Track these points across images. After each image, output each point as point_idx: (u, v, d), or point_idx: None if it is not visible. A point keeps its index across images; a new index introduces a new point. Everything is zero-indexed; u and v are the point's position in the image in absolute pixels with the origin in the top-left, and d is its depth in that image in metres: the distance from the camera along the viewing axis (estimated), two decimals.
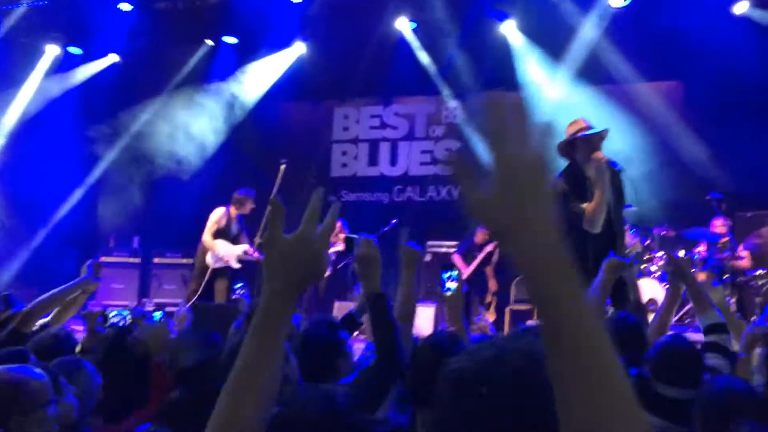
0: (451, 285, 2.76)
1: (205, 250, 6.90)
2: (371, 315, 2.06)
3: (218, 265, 6.87)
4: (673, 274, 2.98)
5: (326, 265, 1.19)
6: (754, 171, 7.47)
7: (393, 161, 10.30)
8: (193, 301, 6.67)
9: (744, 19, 8.03)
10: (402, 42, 9.49)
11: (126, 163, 10.14)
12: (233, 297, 3.73)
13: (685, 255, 6.99)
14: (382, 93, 10.07)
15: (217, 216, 6.89)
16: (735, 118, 7.91)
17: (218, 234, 6.87)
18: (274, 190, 6.52)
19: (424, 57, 9.49)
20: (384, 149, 10.34)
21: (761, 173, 7.41)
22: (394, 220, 7.68)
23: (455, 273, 2.80)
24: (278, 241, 1.14)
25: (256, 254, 6.78)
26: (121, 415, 2.27)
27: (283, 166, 6.66)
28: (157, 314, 2.70)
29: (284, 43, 9.82)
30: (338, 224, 7.60)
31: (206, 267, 6.89)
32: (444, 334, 2.65)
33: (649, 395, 2.23)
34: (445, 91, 9.75)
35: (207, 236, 6.83)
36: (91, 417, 2.14)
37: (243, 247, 6.89)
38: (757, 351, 2.52)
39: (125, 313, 2.76)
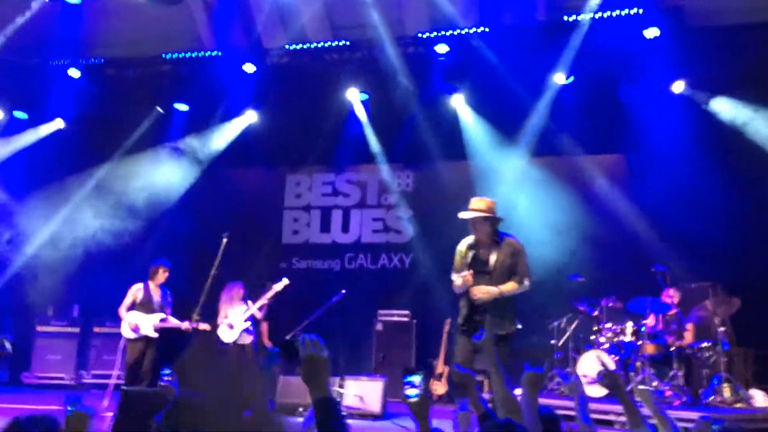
0: (412, 392, 2.66)
1: (122, 324, 7.15)
2: (318, 421, 1.92)
3: (133, 336, 7.00)
4: (609, 387, 2.93)
5: None
6: (695, 244, 7.67)
7: (345, 228, 10.26)
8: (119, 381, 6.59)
9: (683, 97, 8.39)
10: (353, 111, 9.61)
11: (69, 229, 9.85)
12: (160, 383, 3.56)
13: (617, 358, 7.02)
14: (334, 161, 10.12)
15: (134, 290, 7.18)
16: (677, 190, 8.16)
17: (138, 307, 7.09)
18: (216, 263, 6.40)
19: (374, 127, 9.61)
20: (336, 216, 10.31)
21: (702, 246, 7.60)
22: (343, 291, 7.58)
23: (417, 378, 2.69)
24: None
25: (186, 324, 6.92)
26: None
27: (225, 240, 6.56)
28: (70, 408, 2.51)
29: (236, 111, 9.85)
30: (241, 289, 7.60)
31: (126, 340, 7.06)
32: None
33: None
34: (397, 161, 9.86)
35: (121, 309, 7.12)
36: None
37: (158, 316, 7.09)
38: None
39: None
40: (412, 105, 9.12)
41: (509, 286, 4.80)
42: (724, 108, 8.20)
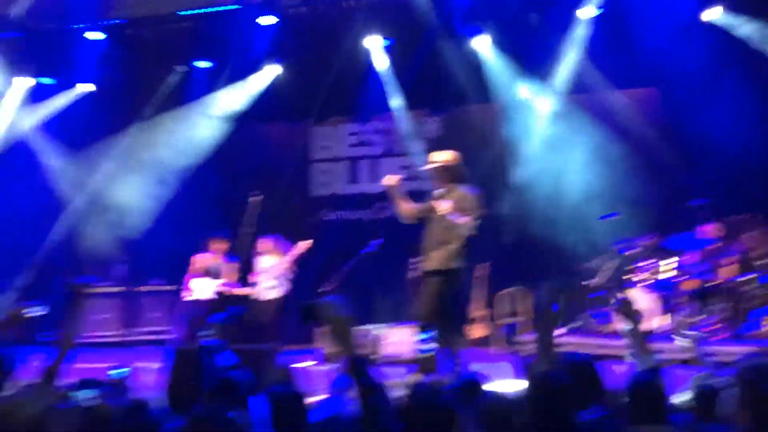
0: (425, 347, 2.68)
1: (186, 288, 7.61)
2: (354, 379, 1.93)
3: (195, 297, 7.38)
4: (624, 315, 2.92)
5: None
6: (734, 176, 7.46)
7: (374, 178, 10.22)
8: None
9: (714, 26, 8.04)
10: (376, 59, 9.44)
11: (107, 191, 10.01)
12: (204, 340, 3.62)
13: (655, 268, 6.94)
14: (359, 111, 10.01)
15: (197, 258, 7.59)
16: (713, 122, 7.90)
17: (201, 274, 7.52)
18: (247, 223, 6.45)
19: (398, 74, 9.44)
20: (364, 166, 10.26)
21: (741, 178, 7.40)
22: (376, 241, 7.56)
23: (428, 335, 2.69)
24: None
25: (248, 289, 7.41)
26: None
27: (254, 199, 6.58)
28: (114, 372, 2.56)
29: (258, 65, 9.75)
30: (270, 241, 7.70)
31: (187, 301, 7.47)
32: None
33: None
34: (423, 107, 9.72)
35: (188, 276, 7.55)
36: None
37: (218, 281, 7.46)
38: None
39: (88, 393, 2.60)
40: (435, 49, 8.92)
41: (461, 220, 5.35)
42: (760, 32, 7.84)
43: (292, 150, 10.34)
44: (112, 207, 9.87)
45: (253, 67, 9.77)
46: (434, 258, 5.38)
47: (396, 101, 9.55)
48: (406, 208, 5.72)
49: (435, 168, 5.64)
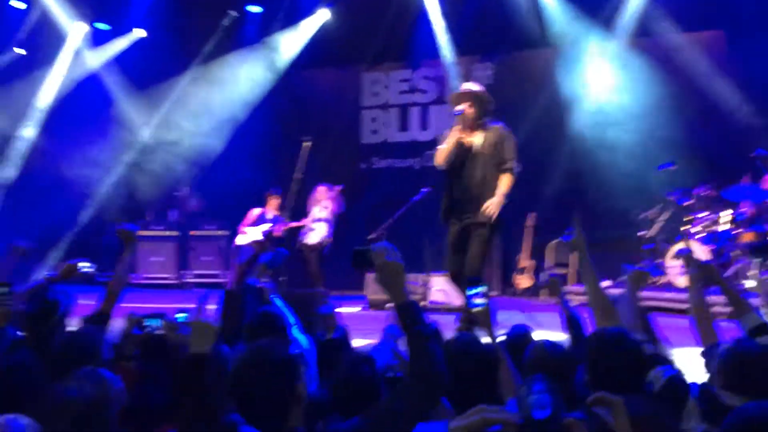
0: (479, 301, 2.66)
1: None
2: (403, 326, 1.93)
3: (244, 242, 7.76)
4: (697, 278, 2.76)
5: None
6: None
7: (424, 126, 10.11)
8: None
9: None
10: (427, 4, 9.21)
11: (160, 137, 10.22)
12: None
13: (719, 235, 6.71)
14: (410, 57, 9.84)
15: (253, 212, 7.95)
16: None
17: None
18: (298, 167, 6.49)
19: (450, 19, 9.20)
20: (414, 114, 10.15)
21: None
22: (425, 189, 7.51)
23: (482, 289, 2.68)
24: None
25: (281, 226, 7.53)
26: (153, 422, 2.25)
27: (306, 144, 6.61)
28: (181, 315, 2.66)
29: (308, 10, 9.65)
30: (323, 189, 7.83)
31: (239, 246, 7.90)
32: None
33: (718, 408, 2.04)
34: (475, 53, 9.47)
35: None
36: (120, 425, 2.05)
37: (266, 226, 7.71)
38: None
39: (156, 322, 2.73)
40: None
41: (506, 183, 4.79)
42: None
43: (343, 96, 10.29)
44: (169, 150, 10.07)
45: (304, 12, 9.68)
46: (479, 207, 4.74)
47: (447, 47, 9.34)
48: (440, 150, 4.90)
49: (470, 95, 4.87)
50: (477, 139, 4.82)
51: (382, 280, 1.92)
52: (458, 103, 4.88)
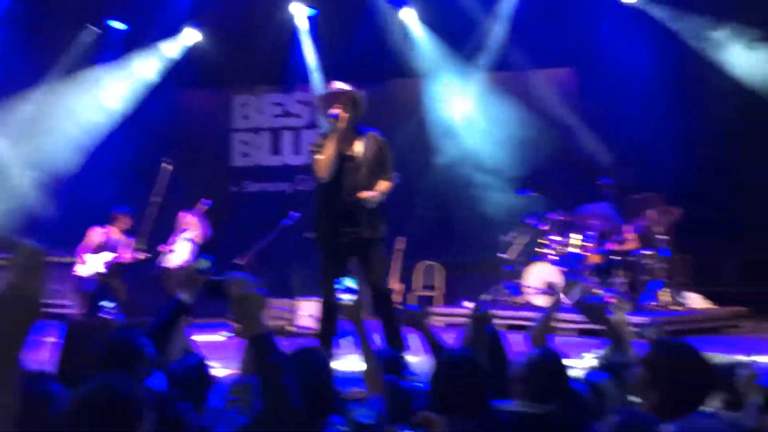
0: (345, 296, 2.54)
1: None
2: (256, 359, 1.87)
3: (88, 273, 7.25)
4: (588, 314, 2.98)
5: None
6: (643, 157, 7.82)
7: (297, 150, 10.10)
8: None
9: (635, 9, 8.28)
10: (300, 28, 9.28)
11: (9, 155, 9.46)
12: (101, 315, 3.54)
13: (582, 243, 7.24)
14: (284, 81, 9.84)
15: (93, 233, 7.33)
16: (625, 105, 8.21)
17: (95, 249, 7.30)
18: (156, 191, 6.23)
19: (323, 44, 9.32)
20: (287, 138, 10.12)
21: (649, 159, 7.77)
22: (295, 213, 7.48)
23: (350, 282, 2.57)
24: None
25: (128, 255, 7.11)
26: None
27: (166, 166, 6.36)
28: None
29: (176, 30, 9.41)
30: (184, 214, 7.56)
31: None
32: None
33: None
34: (348, 78, 9.61)
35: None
36: None
37: (108, 255, 7.23)
38: None
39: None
40: (361, 20, 8.84)
41: (385, 185, 4.46)
42: (679, 24, 8.10)
43: (214, 118, 10.08)
44: (17, 170, 9.35)
45: (171, 32, 9.42)
46: (365, 222, 4.40)
47: (318, 73, 9.43)
48: (319, 160, 4.41)
49: (345, 96, 4.47)
50: (357, 147, 4.45)
51: (237, 312, 1.88)
52: (329, 105, 4.46)
